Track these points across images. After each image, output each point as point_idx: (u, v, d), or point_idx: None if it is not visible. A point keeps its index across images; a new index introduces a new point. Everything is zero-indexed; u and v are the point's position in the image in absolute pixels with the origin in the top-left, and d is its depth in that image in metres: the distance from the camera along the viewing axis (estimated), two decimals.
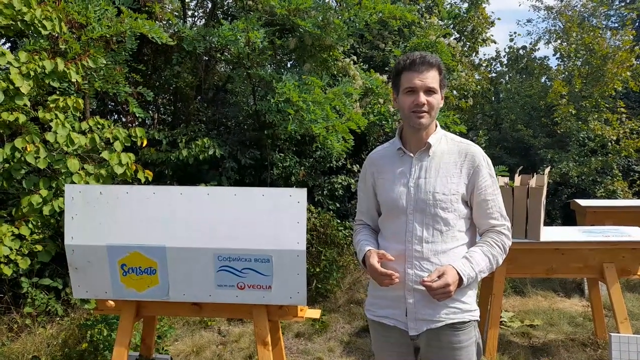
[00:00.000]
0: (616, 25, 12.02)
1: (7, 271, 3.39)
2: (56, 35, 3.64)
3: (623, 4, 12.30)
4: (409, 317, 1.75)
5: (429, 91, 1.71)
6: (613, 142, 8.18)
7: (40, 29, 3.37)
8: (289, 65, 6.30)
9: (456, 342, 1.74)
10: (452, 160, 1.76)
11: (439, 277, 1.63)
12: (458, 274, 1.65)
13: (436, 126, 1.82)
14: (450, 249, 1.73)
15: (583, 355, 3.80)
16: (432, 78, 1.71)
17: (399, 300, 1.76)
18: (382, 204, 1.85)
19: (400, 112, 1.80)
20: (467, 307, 1.76)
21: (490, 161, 1.82)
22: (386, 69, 6.51)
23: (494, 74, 11.32)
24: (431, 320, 1.73)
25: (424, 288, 1.67)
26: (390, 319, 1.80)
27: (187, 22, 6.71)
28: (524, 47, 11.05)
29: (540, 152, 8.41)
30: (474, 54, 9.10)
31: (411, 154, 1.80)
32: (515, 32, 17.44)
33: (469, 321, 1.76)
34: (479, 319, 1.82)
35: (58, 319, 4.05)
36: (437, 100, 1.74)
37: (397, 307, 1.77)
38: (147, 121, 6.33)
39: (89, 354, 3.36)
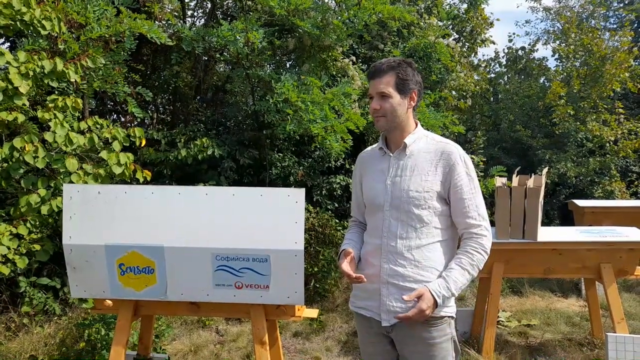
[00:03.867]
0: (615, 26, 12.05)
1: (5, 270, 3.39)
2: (55, 35, 3.65)
3: (621, 5, 12.32)
4: (382, 309, 1.81)
5: (383, 96, 1.80)
6: (611, 143, 8.20)
7: (39, 28, 3.37)
8: (288, 66, 6.31)
9: (429, 338, 1.77)
10: (428, 159, 1.82)
11: (417, 298, 1.69)
12: (433, 296, 1.70)
13: (416, 125, 1.89)
14: (424, 245, 1.78)
15: (580, 355, 3.81)
16: (384, 83, 1.80)
17: (375, 292, 1.83)
18: (365, 200, 1.94)
19: None
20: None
21: (468, 160, 1.84)
22: None
23: (492, 75, 11.33)
24: (402, 313, 1.76)
25: (397, 282, 1.77)
26: (368, 311, 1.87)
27: (187, 22, 6.72)
28: (522, 48, 11.08)
29: (538, 152, 8.43)
30: (472, 55, 9.10)
31: (391, 153, 1.88)
32: (514, 33, 17.45)
33: (441, 317, 1.78)
34: (454, 316, 1.84)
35: (56, 318, 4.06)
36: (392, 103, 1.80)
37: (374, 299, 1.84)
38: (146, 121, 6.34)
39: (87, 353, 3.37)
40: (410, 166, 1.82)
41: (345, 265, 1.80)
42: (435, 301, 1.69)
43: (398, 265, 1.78)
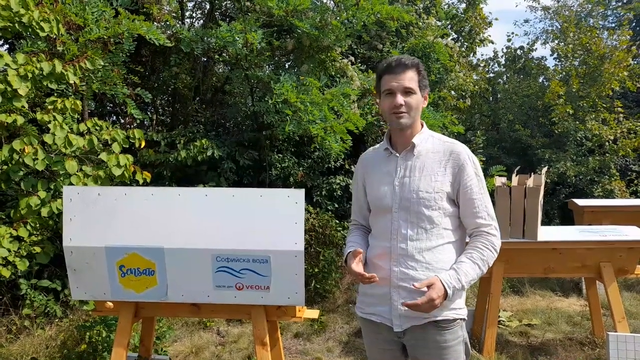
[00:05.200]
0: (613, 25, 12.06)
1: (6, 273, 3.39)
2: (54, 37, 3.65)
3: (620, 4, 12.34)
4: (393, 314, 1.77)
5: (407, 92, 1.75)
6: (610, 142, 8.21)
7: (38, 30, 3.37)
8: (287, 66, 6.30)
9: (442, 341, 1.75)
10: (436, 159, 1.79)
11: (428, 287, 1.66)
12: (443, 286, 1.67)
13: (422, 126, 1.86)
14: (434, 246, 1.75)
15: (581, 354, 3.81)
16: (409, 79, 1.75)
17: (385, 297, 1.79)
18: (370, 203, 1.89)
19: (382, 114, 1.85)
20: (452, 304, 1.77)
21: (476, 160, 1.83)
22: None
23: (491, 74, 11.33)
24: (415, 317, 1.74)
25: (409, 285, 1.72)
26: (377, 316, 1.83)
27: (185, 23, 6.72)
28: (521, 48, 11.08)
29: (538, 152, 8.43)
30: (471, 55, 9.10)
31: (397, 154, 1.84)
32: (512, 33, 17.48)
33: (454, 319, 1.77)
34: (466, 318, 1.83)
35: (57, 320, 4.05)
36: (416, 100, 1.77)
37: (384, 304, 1.79)
38: (145, 122, 6.33)
39: (88, 355, 3.36)
40: (419, 167, 1.79)
41: (356, 266, 1.75)
42: (446, 292, 1.66)
43: (409, 268, 1.74)
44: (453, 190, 1.78)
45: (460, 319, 1.79)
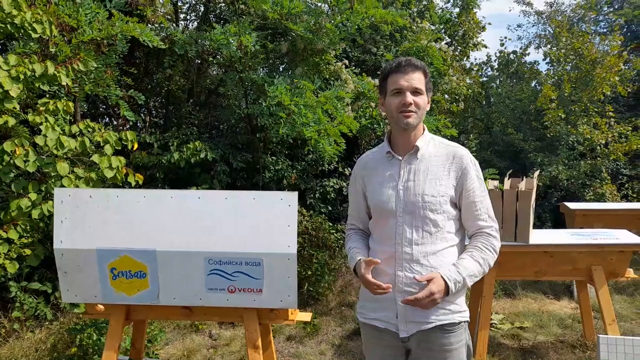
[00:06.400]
0: (605, 30, 12.18)
1: None
2: (46, 38, 3.63)
3: (612, 10, 12.47)
4: (399, 319, 1.76)
5: (416, 92, 1.75)
6: (602, 146, 8.28)
7: (30, 32, 3.35)
8: (281, 69, 6.31)
9: (447, 344, 1.75)
10: (440, 163, 1.79)
11: (427, 281, 1.66)
12: (444, 280, 1.66)
13: (424, 129, 1.85)
14: (439, 250, 1.75)
15: (572, 356, 3.83)
16: (418, 80, 1.75)
17: (390, 302, 1.77)
18: (372, 207, 1.86)
19: (387, 114, 1.83)
20: (457, 308, 1.77)
21: (477, 163, 1.84)
22: (378, 72, 6.52)
23: (485, 78, 11.41)
24: (422, 322, 1.74)
25: (414, 290, 1.71)
26: (382, 322, 1.81)
27: (179, 25, 6.71)
28: (514, 52, 11.17)
29: (530, 155, 8.49)
30: (465, 59, 9.16)
31: (400, 157, 1.82)
32: (505, 37, 17.61)
33: (459, 322, 1.77)
34: (469, 320, 1.83)
35: (47, 323, 4.02)
36: (424, 101, 1.77)
37: (388, 310, 1.78)
38: (138, 124, 6.31)
39: (79, 359, 3.34)
40: (422, 170, 1.78)
41: (370, 276, 1.72)
42: (447, 286, 1.65)
43: (414, 272, 1.73)
44: (456, 193, 1.78)
45: (465, 321, 1.79)
